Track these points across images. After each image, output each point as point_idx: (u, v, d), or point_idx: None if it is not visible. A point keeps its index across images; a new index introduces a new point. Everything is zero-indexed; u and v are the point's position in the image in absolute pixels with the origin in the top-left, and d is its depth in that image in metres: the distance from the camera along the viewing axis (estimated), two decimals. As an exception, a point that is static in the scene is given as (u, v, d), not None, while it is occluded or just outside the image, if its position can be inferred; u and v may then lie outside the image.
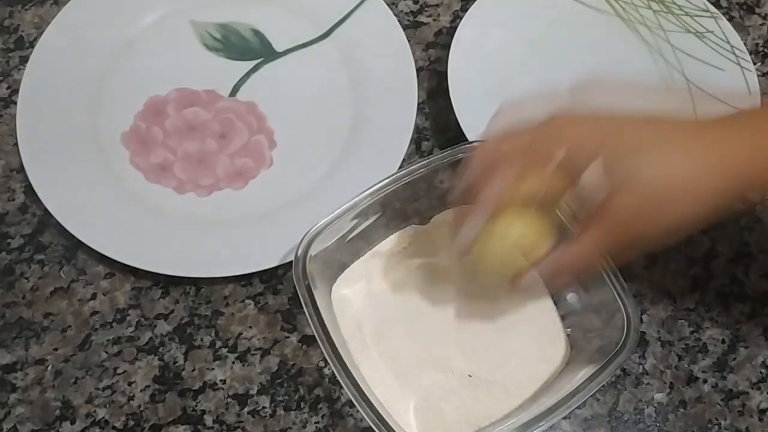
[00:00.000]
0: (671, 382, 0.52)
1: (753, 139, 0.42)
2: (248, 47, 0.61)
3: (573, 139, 0.42)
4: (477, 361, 0.49)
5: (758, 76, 0.60)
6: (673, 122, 0.43)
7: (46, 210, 0.53)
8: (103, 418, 0.50)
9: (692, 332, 0.54)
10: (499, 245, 0.44)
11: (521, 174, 0.43)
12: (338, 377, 0.43)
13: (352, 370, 0.43)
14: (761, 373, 0.53)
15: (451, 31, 0.60)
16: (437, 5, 0.65)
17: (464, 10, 0.62)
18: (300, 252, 0.46)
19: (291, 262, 0.46)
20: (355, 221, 0.50)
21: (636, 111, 0.43)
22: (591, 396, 0.46)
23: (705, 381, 0.52)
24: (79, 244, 0.52)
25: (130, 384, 0.51)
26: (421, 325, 0.50)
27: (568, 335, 0.50)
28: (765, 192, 0.55)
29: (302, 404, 0.50)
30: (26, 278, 0.54)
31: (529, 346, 0.50)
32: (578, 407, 0.48)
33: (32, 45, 0.61)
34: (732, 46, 0.60)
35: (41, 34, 0.59)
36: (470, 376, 0.48)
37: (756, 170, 0.42)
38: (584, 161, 0.42)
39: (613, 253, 0.46)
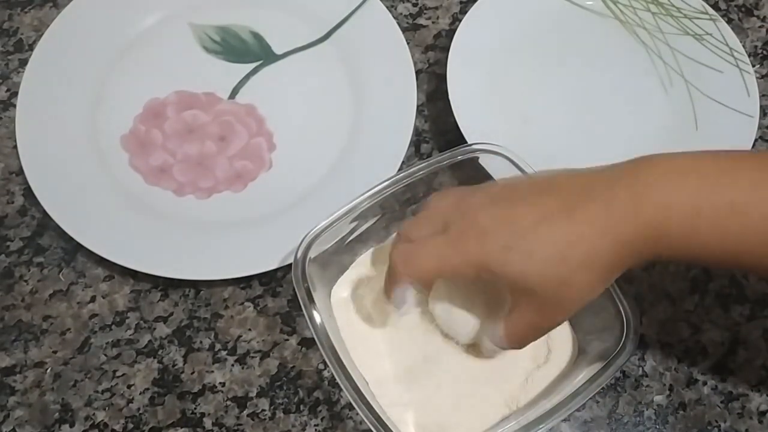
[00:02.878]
0: (671, 384, 0.52)
1: (638, 203, 0.38)
2: (247, 50, 0.61)
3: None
4: (478, 362, 0.49)
5: (757, 78, 0.60)
6: (551, 194, 0.40)
7: (45, 212, 0.53)
8: (102, 421, 0.50)
9: (692, 334, 0.54)
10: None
11: None
12: (338, 380, 0.43)
13: (351, 373, 0.43)
14: (761, 375, 0.53)
15: (450, 33, 0.60)
16: (436, 8, 0.65)
17: (463, 12, 0.62)
18: (299, 254, 0.46)
19: (290, 264, 0.46)
20: (354, 223, 0.50)
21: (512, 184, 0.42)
22: (590, 398, 0.46)
23: (705, 383, 0.52)
24: (78, 247, 0.52)
25: (129, 387, 0.51)
26: (421, 327, 0.50)
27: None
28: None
29: (302, 407, 0.50)
30: (25, 281, 0.54)
31: (536, 347, 0.49)
32: (578, 410, 0.48)
33: (31, 48, 0.61)
34: (731, 49, 0.61)
35: (40, 36, 0.59)
36: (471, 377, 0.48)
37: (651, 238, 0.38)
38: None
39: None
